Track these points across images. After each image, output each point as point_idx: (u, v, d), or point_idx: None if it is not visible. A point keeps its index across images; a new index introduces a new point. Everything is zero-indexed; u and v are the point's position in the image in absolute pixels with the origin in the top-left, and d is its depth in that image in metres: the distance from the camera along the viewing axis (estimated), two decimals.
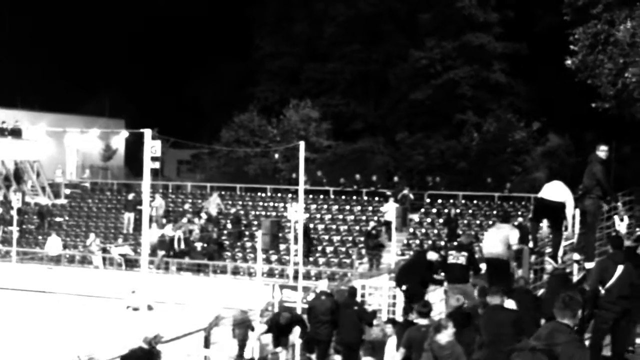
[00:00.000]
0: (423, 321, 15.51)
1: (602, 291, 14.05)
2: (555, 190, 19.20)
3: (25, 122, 55.08)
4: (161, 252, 44.34)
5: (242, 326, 26.80)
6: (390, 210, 43.78)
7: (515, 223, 36.87)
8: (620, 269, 13.97)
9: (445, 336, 13.60)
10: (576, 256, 18.67)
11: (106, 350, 26.58)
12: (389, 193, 45.84)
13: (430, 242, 41.97)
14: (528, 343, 12.74)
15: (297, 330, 23.05)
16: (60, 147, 59.92)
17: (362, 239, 43.96)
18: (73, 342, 24.10)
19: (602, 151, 19.35)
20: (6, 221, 49.81)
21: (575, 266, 18.20)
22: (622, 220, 22.14)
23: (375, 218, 44.86)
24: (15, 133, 52.94)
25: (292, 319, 23.15)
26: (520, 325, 13.97)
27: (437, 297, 23.01)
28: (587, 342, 16.06)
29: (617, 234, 18.15)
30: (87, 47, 77.15)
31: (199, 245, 44.49)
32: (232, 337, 26.52)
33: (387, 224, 43.18)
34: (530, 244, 20.24)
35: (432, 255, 21.14)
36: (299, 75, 65.71)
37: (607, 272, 14.24)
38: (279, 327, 22.94)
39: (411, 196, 45.13)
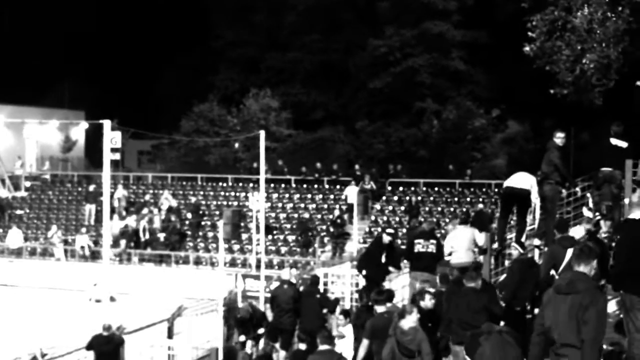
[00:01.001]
0: (381, 308, 15.62)
1: (556, 276, 14.18)
2: (522, 179, 19.34)
3: None
4: (123, 243, 44.18)
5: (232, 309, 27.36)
6: (351, 194, 44.10)
7: (477, 209, 37.24)
8: (569, 252, 14.10)
9: (408, 322, 13.70)
10: (536, 241, 18.84)
11: (69, 342, 26.55)
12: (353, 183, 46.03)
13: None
14: (493, 326, 12.91)
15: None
16: (19, 138, 59.42)
17: (323, 227, 44.07)
18: (35, 335, 24.02)
19: (559, 138, 19.56)
20: None
21: (537, 251, 18.35)
22: (590, 209, 22.32)
23: (338, 207, 44.96)
24: None
25: (253, 314, 23.24)
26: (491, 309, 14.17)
27: (400, 284, 23.11)
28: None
29: (589, 221, 18.27)
30: (45, 39, 76.61)
31: (161, 236, 44.39)
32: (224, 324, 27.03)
33: (350, 207, 43.52)
34: (495, 245, 20.25)
35: (385, 238, 21.29)
36: (259, 65, 65.59)
37: (557, 257, 14.40)
38: (241, 321, 23.03)
39: (373, 185, 45.27)
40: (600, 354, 10.17)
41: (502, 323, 14.57)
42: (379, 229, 43.05)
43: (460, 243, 19.29)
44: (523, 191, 19.16)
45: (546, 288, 14.56)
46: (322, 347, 14.59)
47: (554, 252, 14.71)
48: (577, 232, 16.67)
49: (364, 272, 21.15)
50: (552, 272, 14.48)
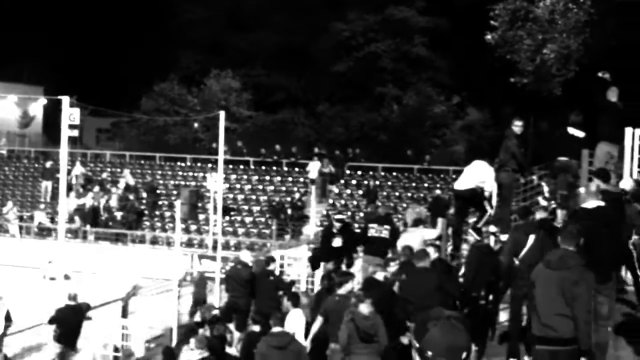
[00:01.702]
0: (342, 290, 15.65)
1: (517, 262, 14.32)
2: (467, 177, 19.49)
3: None
4: (80, 221, 43.97)
5: (200, 285, 27.77)
6: (313, 169, 44.30)
7: (434, 195, 37.35)
8: (531, 238, 14.24)
9: (368, 307, 13.76)
10: (492, 228, 18.95)
11: (23, 319, 26.39)
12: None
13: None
14: (442, 311, 12.94)
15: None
16: None
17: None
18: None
19: (516, 126, 19.70)
20: None
21: (492, 238, 18.47)
22: (545, 198, 22.53)
23: (297, 189, 44.97)
24: None
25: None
26: (445, 290, 14.25)
27: (355, 268, 23.16)
28: (502, 313, 16.46)
29: (545, 210, 18.46)
30: (3, 14, 75.88)
31: (118, 215, 44.17)
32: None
33: (312, 182, 43.79)
34: (450, 249, 20.36)
35: (336, 225, 21.43)
36: (221, 45, 65.38)
37: (519, 244, 14.50)
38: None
39: (332, 169, 45.33)
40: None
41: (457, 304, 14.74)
42: (337, 212, 43.22)
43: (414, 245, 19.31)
44: (468, 191, 19.34)
45: (509, 274, 14.75)
46: (275, 328, 14.62)
47: (516, 239, 14.81)
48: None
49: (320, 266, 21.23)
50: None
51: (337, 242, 21.27)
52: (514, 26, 38.83)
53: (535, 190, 25.95)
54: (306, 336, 16.27)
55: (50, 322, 22.05)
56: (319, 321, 15.48)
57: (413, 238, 19.52)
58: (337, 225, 21.64)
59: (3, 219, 46.08)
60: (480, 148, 43.01)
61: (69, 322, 21.78)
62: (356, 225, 39.44)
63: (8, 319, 23.08)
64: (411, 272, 15.17)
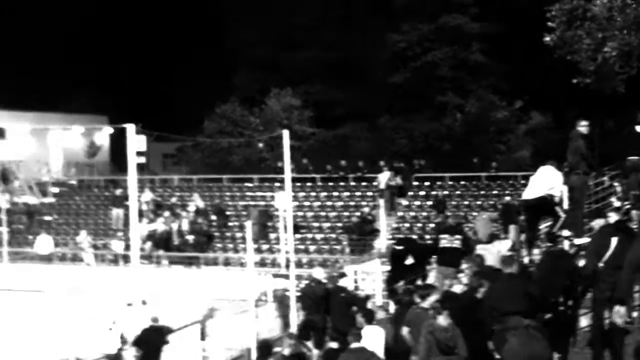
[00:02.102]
0: (424, 303, 15.71)
1: (600, 265, 14.21)
2: (535, 185, 19.38)
3: (7, 121, 54.89)
4: (152, 246, 44.38)
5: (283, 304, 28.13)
6: (383, 180, 44.39)
7: (504, 202, 37.25)
8: (614, 240, 14.14)
9: (446, 318, 13.82)
10: (566, 232, 18.91)
11: (102, 346, 26.74)
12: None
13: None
14: (521, 321, 13.00)
15: None
16: (44, 145, 59.77)
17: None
18: (69, 341, 24.22)
19: (582, 126, 19.61)
20: None
21: (566, 242, 18.41)
22: (618, 199, 22.34)
23: (365, 203, 44.98)
24: None
25: None
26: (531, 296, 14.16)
27: (430, 280, 23.19)
28: (582, 318, 16.32)
29: (618, 211, 18.30)
30: (66, 45, 77.03)
31: (190, 238, 44.49)
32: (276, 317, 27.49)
33: (381, 193, 44.09)
34: (526, 258, 20.19)
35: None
36: (278, 64, 65.75)
37: (603, 246, 14.39)
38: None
39: (399, 181, 45.34)
40: None
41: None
42: (407, 225, 43.20)
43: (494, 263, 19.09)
44: (537, 200, 19.23)
45: (591, 278, 14.56)
46: (354, 344, 14.66)
47: (600, 242, 14.65)
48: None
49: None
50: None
51: (409, 260, 21.27)
52: (572, 26, 38.46)
53: (607, 191, 25.78)
54: (385, 351, 16.33)
55: (135, 344, 22.33)
56: (405, 331, 15.54)
57: (491, 256, 19.42)
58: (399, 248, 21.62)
59: (77, 248, 46.68)
60: (546, 152, 42.75)
61: (151, 343, 22.05)
62: (427, 237, 39.53)
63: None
64: (497, 279, 14.96)
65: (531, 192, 19.52)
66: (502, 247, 19.96)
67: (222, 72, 67.58)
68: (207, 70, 71.57)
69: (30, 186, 54.09)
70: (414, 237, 32.65)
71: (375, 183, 46.65)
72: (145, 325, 22.48)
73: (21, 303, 39.97)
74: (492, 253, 19.36)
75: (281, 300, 28.95)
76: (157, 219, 45.95)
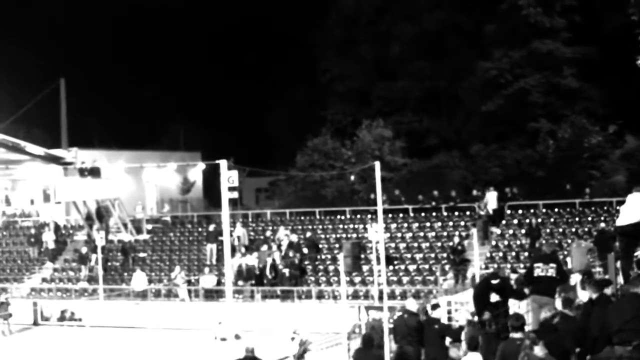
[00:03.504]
0: (516, 334, 15.43)
1: None
2: (628, 213, 18.94)
3: (103, 161, 55.74)
4: (246, 281, 44.58)
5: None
6: (491, 200, 44.13)
7: (599, 228, 36.64)
8: None
9: (542, 349, 13.58)
10: None
11: None
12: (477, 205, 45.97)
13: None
14: (614, 351, 12.71)
15: None
16: (139, 183, 60.58)
17: (444, 255, 43.80)
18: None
19: None
20: (91, 259, 50.58)
21: None
22: None
23: (457, 233, 44.60)
24: (95, 172, 53.48)
25: None
26: None
27: (524, 309, 22.82)
28: None
29: None
30: (158, 83, 78.21)
31: (284, 272, 44.52)
32: None
33: (489, 216, 44.14)
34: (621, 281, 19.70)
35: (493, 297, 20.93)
36: (369, 96, 65.82)
37: None
38: None
39: (493, 205, 45.07)
40: None
41: None
42: (500, 254, 42.72)
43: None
44: (633, 226, 18.81)
45: None
46: None
47: None
48: None
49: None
50: None
51: (494, 297, 20.92)
52: None
53: None
54: None
55: None
56: None
57: (583, 294, 19.03)
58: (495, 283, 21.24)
59: (172, 284, 47.11)
60: None
61: None
62: (521, 265, 39.06)
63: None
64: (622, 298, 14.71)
65: (626, 217, 19.07)
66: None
67: (313, 105, 67.88)
68: (298, 104, 72.01)
69: (125, 223, 54.77)
70: (506, 271, 32.24)
71: (468, 212, 46.36)
72: (240, 357, 22.45)
73: (117, 340, 40.44)
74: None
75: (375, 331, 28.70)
76: (249, 254, 46.14)
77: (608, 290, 17.19)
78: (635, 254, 19.60)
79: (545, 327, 15.81)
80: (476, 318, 21.12)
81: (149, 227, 56.22)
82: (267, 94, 77.38)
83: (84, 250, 51.66)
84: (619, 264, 20.04)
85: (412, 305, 22.91)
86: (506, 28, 58.20)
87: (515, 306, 21.03)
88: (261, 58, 78.97)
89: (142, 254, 52.39)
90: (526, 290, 20.97)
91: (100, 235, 48.56)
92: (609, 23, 54.11)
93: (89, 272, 50.79)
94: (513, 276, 27.24)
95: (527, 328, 17.17)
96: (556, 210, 45.31)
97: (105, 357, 36.28)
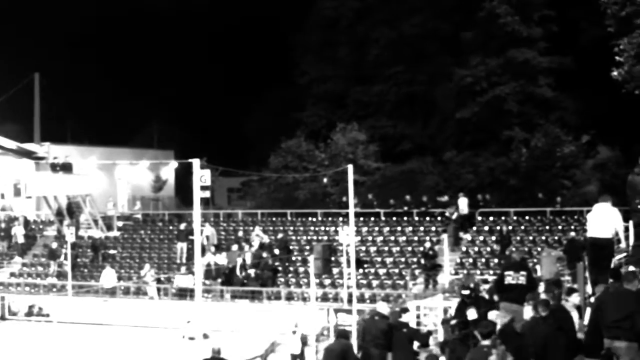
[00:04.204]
0: (485, 342, 15.44)
1: None
2: (603, 224, 19.02)
3: (75, 156, 55.49)
4: (215, 280, 44.47)
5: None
6: (462, 204, 44.30)
7: (569, 237, 36.77)
8: None
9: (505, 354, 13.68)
10: (631, 268, 18.50)
11: None
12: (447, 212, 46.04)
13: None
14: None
15: None
16: (111, 179, 60.43)
17: (415, 259, 43.84)
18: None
19: None
20: (61, 255, 50.30)
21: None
22: None
23: (429, 238, 44.65)
24: (67, 168, 53.28)
25: None
26: None
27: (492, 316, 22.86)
28: None
29: None
30: (133, 81, 78.05)
31: (252, 272, 44.47)
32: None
33: (459, 221, 44.60)
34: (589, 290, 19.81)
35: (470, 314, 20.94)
36: (345, 99, 65.83)
37: None
38: None
39: (463, 210, 45.20)
40: None
41: None
42: (470, 260, 42.79)
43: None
44: (605, 240, 18.92)
45: None
46: None
47: None
48: None
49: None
50: None
51: (471, 314, 20.92)
52: None
53: None
54: None
55: None
56: None
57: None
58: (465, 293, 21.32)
59: (141, 282, 46.93)
60: (614, 187, 42.14)
61: None
62: (491, 272, 39.16)
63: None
64: (614, 294, 14.83)
65: (597, 231, 19.10)
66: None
67: (290, 107, 67.84)
68: (275, 105, 71.97)
69: (96, 220, 54.56)
70: (476, 277, 32.32)
71: (439, 218, 46.47)
72: (207, 357, 22.36)
73: (85, 336, 40.25)
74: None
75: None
76: (219, 253, 46.04)
77: (576, 299, 17.27)
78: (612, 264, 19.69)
79: (507, 333, 15.82)
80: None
81: (120, 224, 56.05)
82: (243, 95, 77.32)
83: (54, 245, 51.42)
84: (586, 273, 20.11)
85: (383, 308, 22.93)
86: (484, 35, 58.31)
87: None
88: (239, 59, 78.85)
89: (112, 251, 52.23)
90: (495, 298, 21.04)
91: (71, 231, 48.25)
92: (585, 34, 54.31)
93: (58, 268, 50.51)
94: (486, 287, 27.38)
95: None
96: (527, 218, 45.46)
97: (72, 353, 36.08)
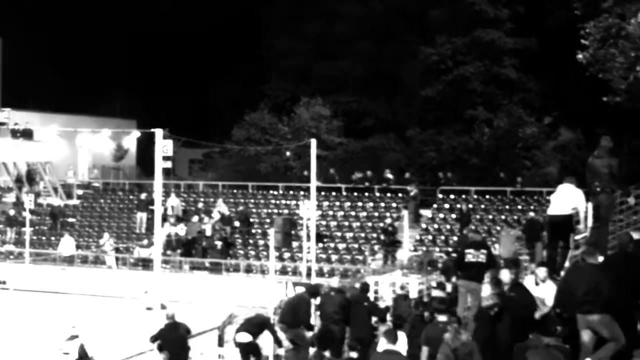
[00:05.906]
0: (442, 317, 15.49)
1: None
2: (563, 202, 19.18)
3: (36, 123, 55.06)
4: (174, 251, 44.37)
5: None
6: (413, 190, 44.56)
7: (528, 217, 36.96)
8: None
9: (464, 333, 13.71)
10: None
11: (121, 349, 26.68)
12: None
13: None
14: (541, 340, 12.80)
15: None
16: (72, 148, 59.95)
17: (374, 235, 43.93)
18: (87, 343, 24.12)
19: (608, 142, 19.32)
20: (19, 222, 49.93)
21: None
22: None
23: (389, 214, 44.75)
24: (27, 134, 52.91)
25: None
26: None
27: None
28: None
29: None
30: (97, 48, 77.38)
31: (214, 244, 44.34)
32: None
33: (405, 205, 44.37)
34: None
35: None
36: (310, 74, 65.69)
37: None
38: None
39: (415, 190, 45.25)
40: None
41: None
42: (430, 237, 42.94)
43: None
44: (562, 217, 19.08)
45: None
46: (389, 346, 14.10)
47: None
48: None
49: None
50: None
51: (435, 292, 21.07)
52: (605, 44, 38.15)
53: (632, 209, 25.49)
54: None
55: (153, 340, 22.12)
56: (425, 350, 15.30)
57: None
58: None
59: (100, 251, 46.73)
60: (574, 168, 42.43)
61: (169, 338, 21.83)
62: (450, 249, 39.35)
63: (84, 356, 22.94)
64: (578, 268, 15.00)
65: (556, 208, 19.28)
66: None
67: (255, 80, 67.65)
68: (237, 77, 71.64)
69: (56, 188, 54.23)
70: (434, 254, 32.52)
71: (400, 195, 46.53)
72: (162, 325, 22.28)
73: (42, 304, 40.03)
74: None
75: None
76: (180, 224, 45.93)
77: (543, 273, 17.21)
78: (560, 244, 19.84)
79: (483, 315, 15.80)
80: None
81: (80, 192, 55.73)
82: (209, 66, 76.92)
83: (12, 212, 51.02)
84: (544, 253, 20.26)
85: (335, 282, 23.03)
86: (451, 14, 58.42)
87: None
88: (206, 30, 78.34)
89: (71, 219, 51.92)
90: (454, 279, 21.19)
91: (30, 198, 47.95)
92: (551, 16, 54.51)
93: (16, 235, 50.14)
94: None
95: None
96: (487, 197, 45.61)
97: (29, 321, 35.87)
